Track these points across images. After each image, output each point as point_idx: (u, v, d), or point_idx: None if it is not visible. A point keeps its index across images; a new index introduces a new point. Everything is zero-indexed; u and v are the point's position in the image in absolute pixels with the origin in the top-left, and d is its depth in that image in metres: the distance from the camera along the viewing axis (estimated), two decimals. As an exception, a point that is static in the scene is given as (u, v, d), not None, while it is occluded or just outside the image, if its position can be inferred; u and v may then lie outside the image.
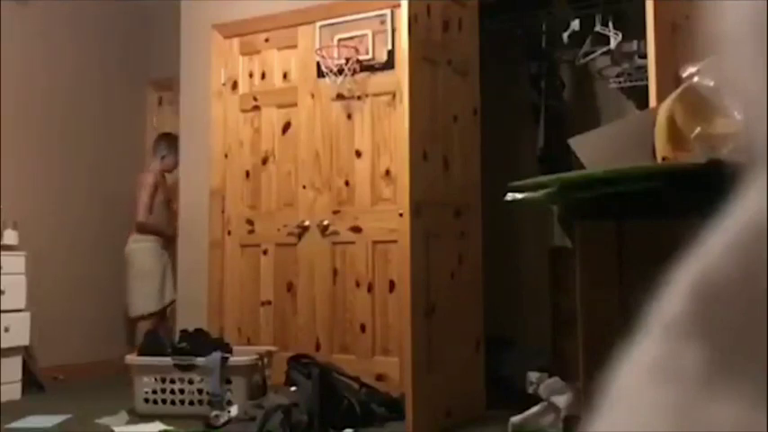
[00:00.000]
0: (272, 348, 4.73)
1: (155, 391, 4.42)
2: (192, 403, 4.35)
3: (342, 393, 4.02)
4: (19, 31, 5.58)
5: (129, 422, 4.26)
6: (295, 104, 5.07)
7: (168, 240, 5.71)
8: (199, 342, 4.52)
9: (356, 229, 4.79)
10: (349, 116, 4.88)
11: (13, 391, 4.95)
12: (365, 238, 4.76)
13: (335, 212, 4.87)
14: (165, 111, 6.47)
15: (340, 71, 4.81)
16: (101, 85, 6.18)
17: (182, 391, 4.38)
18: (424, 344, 3.75)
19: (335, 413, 3.90)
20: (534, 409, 3.54)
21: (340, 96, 4.90)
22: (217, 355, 4.31)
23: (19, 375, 5.02)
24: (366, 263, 4.75)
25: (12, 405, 4.70)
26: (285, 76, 5.15)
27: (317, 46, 4.94)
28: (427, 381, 3.75)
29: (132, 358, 4.54)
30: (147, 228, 5.66)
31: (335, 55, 4.85)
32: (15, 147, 5.53)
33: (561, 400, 3.39)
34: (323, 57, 4.89)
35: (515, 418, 3.57)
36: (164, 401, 4.40)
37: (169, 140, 5.78)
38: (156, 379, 4.42)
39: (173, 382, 4.39)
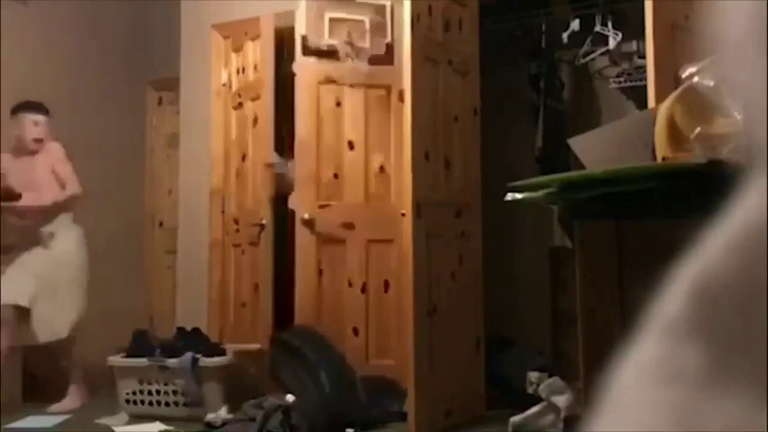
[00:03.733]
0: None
1: (134, 393, 4.41)
2: (167, 405, 4.33)
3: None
4: (19, 31, 5.58)
5: (129, 422, 4.26)
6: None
7: None
8: (194, 340, 4.50)
9: (348, 226, 4.71)
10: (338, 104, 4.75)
11: (14, 391, 4.95)
12: (357, 236, 4.69)
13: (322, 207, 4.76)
14: (165, 111, 6.46)
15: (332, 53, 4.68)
16: (101, 85, 6.17)
17: (158, 392, 4.37)
18: (425, 344, 3.75)
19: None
20: (534, 409, 3.54)
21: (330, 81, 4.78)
22: (188, 356, 4.28)
23: (19, 375, 5.01)
24: (359, 262, 4.69)
25: (12, 405, 4.69)
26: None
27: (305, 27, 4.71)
28: (427, 381, 3.75)
29: (113, 360, 4.52)
30: None
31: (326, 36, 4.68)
32: (15, 147, 5.51)
33: (561, 400, 3.39)
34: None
35: (515, 418, 3.57)
36: (142, 402, 4.39)
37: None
38: (137, 381, 4.41)
39: (150, 383, 4.38)
